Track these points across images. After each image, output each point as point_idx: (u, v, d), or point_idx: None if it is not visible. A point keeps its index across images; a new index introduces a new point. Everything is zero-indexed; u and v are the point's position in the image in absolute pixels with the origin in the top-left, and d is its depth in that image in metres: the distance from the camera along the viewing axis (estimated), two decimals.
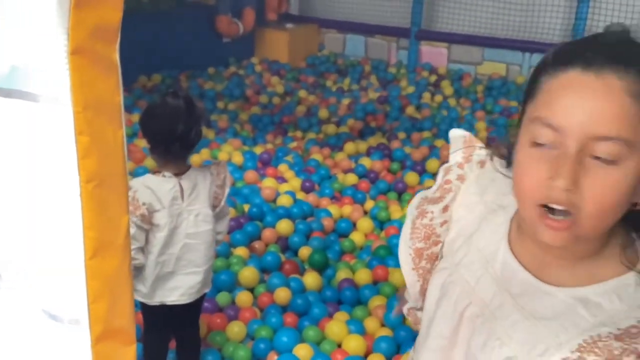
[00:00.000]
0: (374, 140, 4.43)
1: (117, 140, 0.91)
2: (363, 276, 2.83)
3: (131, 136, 4.00)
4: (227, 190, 2.05)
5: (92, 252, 0.91)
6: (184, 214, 1.94)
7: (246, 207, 3.37)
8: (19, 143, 0.90)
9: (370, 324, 2.55)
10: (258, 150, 4.20)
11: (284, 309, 2.67)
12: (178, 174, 1.95)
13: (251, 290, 2.79)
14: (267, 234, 3.14)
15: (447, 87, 5.73)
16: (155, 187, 1.91)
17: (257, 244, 3.09)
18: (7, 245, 0.98)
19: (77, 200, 0.88)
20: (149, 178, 1.95)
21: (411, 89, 5.69)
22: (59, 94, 0.84)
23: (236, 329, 2.49)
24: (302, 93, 5.45)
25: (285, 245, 3.12)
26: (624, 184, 0.76)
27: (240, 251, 2.99)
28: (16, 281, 0.99)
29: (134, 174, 3.02)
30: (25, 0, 0.83)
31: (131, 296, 0.99)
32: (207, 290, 2.09)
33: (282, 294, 2.69)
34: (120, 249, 0.95)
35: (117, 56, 0.89)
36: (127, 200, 0.95)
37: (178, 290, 1.98)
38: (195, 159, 3.76)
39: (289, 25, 6.56)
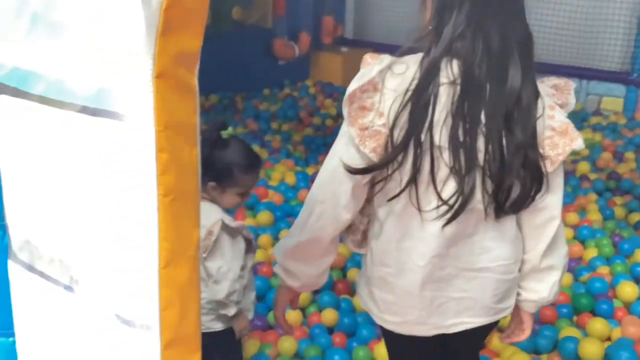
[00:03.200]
0: None
1: (192, 158, 0.98)
2: None
3: None
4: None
5: (165, 261, 0.97)
6: None
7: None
8: (103, 158, 0.97)
9: None
10: (310, 171, 4.26)
11: (331, 329, 2.70)
12: None
13: (302, 309, 2.83)
14: None
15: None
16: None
17: None
18: (86, 253, 1.05)
19: (154, 213, 0.95)
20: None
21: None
22: (142, 114, 0.91)
23: (287, 344, 2.53)
24: None
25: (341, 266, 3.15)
26: None
27: None
28: (93, 287, 1.06)
29: None
30: (115, 25, 0.90)
31: (198, 305, 1.04)
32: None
33: (331, 314, 2.72)
34: (191, 260, 1.01)
35: (195, 81, 0.96)
36: (198, 215, 1.02)
37: None
38: None
39: (344, 49, 6.66)
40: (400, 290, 1.45)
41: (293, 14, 6.13)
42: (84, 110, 0.95)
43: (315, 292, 2.92)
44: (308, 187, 3.99)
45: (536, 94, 1.35)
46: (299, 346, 2.56)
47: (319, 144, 4.86)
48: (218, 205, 1.90)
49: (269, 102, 5.88)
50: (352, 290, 2.96)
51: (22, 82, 1.03)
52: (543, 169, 1.35)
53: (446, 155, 1.31)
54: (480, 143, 1.31)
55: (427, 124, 1.29)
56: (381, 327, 1.58)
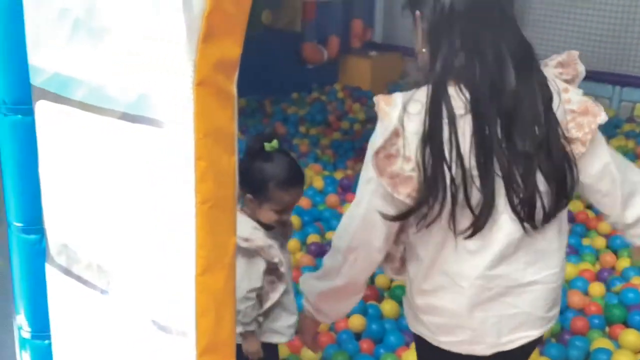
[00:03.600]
0: None
1: (230, 166, 0.98)
2: None
3: None
4: None
5: (202, 268, 0.97)
6: None
7: (329, 235, 3.41)
8: (142, 165, 0.97)
9: None
10: (338, 175, 4.26)
11: (359, 335, 2.68)
12: None
13: None
14: None
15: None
16: None
17: None
18: (124, 258, 1.06)
19: (192, 220, 0.95)
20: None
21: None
22: (182, 121, 0.91)
23: (310, 353, 2.52)
24: None
25: None
26: None
27: None
28: (129, 292, 1.06)
29: None
30: (156, 32, 0.91)
31: (234, 313, 1.04)
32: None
33: (358, 321, 2.71)
34: (227, 267, 1.01)
35: (234, 89, 0.96)
36: (235, 223, 1.02)
37: None
38: None
39: (372, 53, 6.63)
40: (449, 313, 1.44)
41: (322, 18, 6.13)
42: (124, 116, 0.96)
43: None
44: (336, 192, 3.99)
45: (545, 96, 1.33)
46: (326, 352, 2.55)
47: (347, 148, 4.85)
48: (253, 219, 1.82)
49: (298, 105, 5.88)
50: (379, 297, 2.95)
51: (63, 88, 1.04)
52: (569, 176, 1.35)
53: (476, 179, 1.31)
54: (502, 163, 1.31)
55: (454, 155, 1.28)
56: (436, 349, 1.51)
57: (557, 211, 1.38)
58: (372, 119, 5.12)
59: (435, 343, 1.51)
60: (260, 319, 1.87)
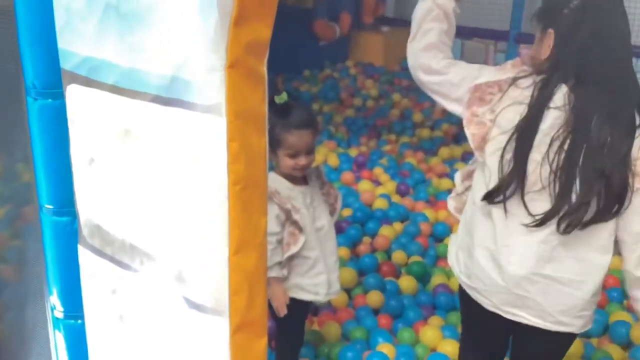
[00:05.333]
0: (468, 146, 4.38)
1: (260, 147, 0.99)
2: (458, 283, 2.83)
3: None
4: None
5: (235, 248, 0.99)
6: None
7: (345, 212, 3.42)
8: (175, 147, 0.99)
9: None
10: (353, 152, 4.26)
11: (377, 311, 2.71)
12: None
13: (348, 291, 2.84)
14: (373, 239, 3.18)
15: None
16: None
17: (362, 247, 3.13)
18: (158, 238, 1.07)
19: (225, 201, 0.97)
20: None
21: None
22: (214, 103, 0.92)
23: (330, 329, 2.55)
24: (396, 96, 5.46)
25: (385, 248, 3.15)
26: None
27: (342, 252, 3.04)
28: (163, 272, 1.08)
29: None
30: (188, 15, 0.91)
31: (265, 292, 1.06)
32: None
33: (376, 297, 2.73)
34: (259, 247, 1.03)
35: (264, 69, 0.97)
36: (266, 203, 1.03)
37: None
38: None
39: (385, 28, 6.57)
40: (475, 261, 1.61)
41: None
42: (156, 99, 0.97)
43: (361, 274, 2.93)
44: (351, 169, 3.99)
45: (629, 143, 1.44)
46: (345, 327, 2.58)
47: (360, 125, 4.85)
48: (281, 175, 1.93)
49: (310, 83, 5.87)
50: (397, 272, 2.97)
51: (94, 72, 1.05)
52: (625, 201, 1.44)
53: (540, 170, 1.46)
54: (568, 166, 1.44)
55: (532, 142, 1.45)
56: (463, 291, 1.70)
57: (590, 223, 1.46)
58: (385, 95, 5.08)
59: (459, 279, 1.70)
60: (285, 271, 1.93)
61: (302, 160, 1.90)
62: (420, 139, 4.59)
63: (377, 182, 3.82)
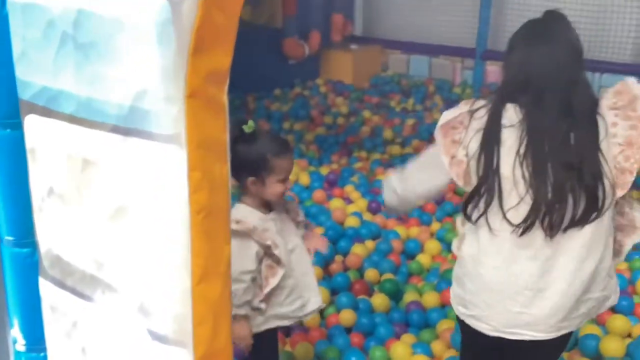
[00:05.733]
0: None
1: (223, 175, 0.99)
2: (431, 299, 2.84)
3: None
4: None
5: (198, 278, 0.98)
6: None
7: (317, 231, 3.41)
8: (136, 177, 0.98)
9: (437, 346, 2.55)
10: (324, 170, 4.26)
11: (349, 330, 2.70)
12: None
13: (320, 311, 2.83)
14: (345, 257, 3.17)
15: None
16: None
17: (334, 266, 3.12)
18: (119, 269, 1.06)
19: (187, 230, 0.96)
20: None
21: None
22: (174, 133, 0.92)
23: (302, 350, 2.53)
24: (367, 113, 5.50)
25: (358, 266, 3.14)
26: None
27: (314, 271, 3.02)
28: (125, 303, 1.06)
29: None
30: (146, 45, 0.91)
31: (230, 321, 1.05)
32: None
33: (348, 315, 2.72)
34: (223, 276, 1.02)
35: (225, 98, 0.96)
36: (229, 231, 1.02)
37: None
38: None
39: (354, 47, 6.64)
40: (468, 288, 1.68)
41: (303, 13, 6.11)
42: (116, 129, 0.96)
43: (333, 293, 2.92)
44: (322, 187, 3.99)
45: (593, 133, 1.54)
46: (317, 347, 2.56)
47: (332, 142, 4.86)
48: (255, 206, 1.89)
49: (280, 102, 5.88)
50: (369, 291, 2.96)
51: (52, 102, 1.04)
52: (600, 194, 1.53)
53: (510, 184, 1.55)
54: (539, 169, 1.53)
55: (495, 159, 1.56)
56: (462, 321, 1.76)
57: (576, 225, 1.54)
58: (355, 112, 5.09)
59: (456, 312, 1.76)
60: (263, 305, 1.89)
61: (289, 184, 1.91)
62: (391, 155, 4.62)
63: (349, 200, 3.83)
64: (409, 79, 6.68)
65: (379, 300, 2.85)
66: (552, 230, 1.54)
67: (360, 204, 3.75)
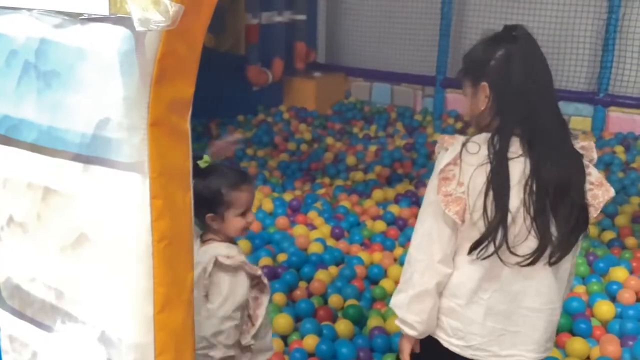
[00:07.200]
0: (401, 187, 4.48)
1: (185, 203, 0.99)
2: (395, 324, 2.84)
3: None
4: None
5: (160, 306, 0.98)
6: None
7: (281, 257, 3.42)
8: (98, 205, 0.97)
9: None
10: (287, 197, 4.27)
11: (313, 355, 2.69)
12: None
13: (284, 337, 2.82)
14: (309, 283, 3.17)
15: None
16: None
17: (298, 292, 3.11)
18: (80, 298, 1.05)
19: (149, 258, 0.96)
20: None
21: (437, 136, 5.76)
22: (137, 161, 0.92)
23: None
24: (330, 140, 5.55)
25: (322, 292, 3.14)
26: None
27: (278, 297, 3.02)
28: (86, 332, 1.05)
29: None
30: (109, 74, 0.91)
31: (193, 350, 1.05)
32: None
33: (312, 341, 2.71)
34: (185, 304, 1.02)
35: (188, 126, 0.98)
36: (192, 258, 1.02)
37: None
38: None
39: (316, 74, 6.71)
40: (467, 319, 1.66)
41: (266, 41, 6.16)
42: (77, 157, 0.96)
43: (297, 320, 2.92)
44: (286, 213, 4.00)
45: (580, 166, 1.60)
46: None
47: (295, 169, 4.88)
48: (224, 242, 1.81)
49: (244, 128, 5.89)
50: (333, 317, 2.97)
51: (13, 130, 1.03)
52: (590, 212, 1.60)
53: (519, 216, 1.55)
54: (543, 206, 1.55)
55: (506, 195, 1.54)
56: (447, 350, 1.72)
57: (568, 251, 1.60)
58: (318, 139, 5.11)
59: (446, 345, 1.70)
60: (253, 341, 1.84)
61: (250, 217, 1.83)
62: (354, 181, 4.66)
63: (312, 226, 3.83)
64: (372, 106, 6.76)
65: (343, 326, 2.85)
66: (557, 261, 1.59)
67: (324, 230, 3.77)
